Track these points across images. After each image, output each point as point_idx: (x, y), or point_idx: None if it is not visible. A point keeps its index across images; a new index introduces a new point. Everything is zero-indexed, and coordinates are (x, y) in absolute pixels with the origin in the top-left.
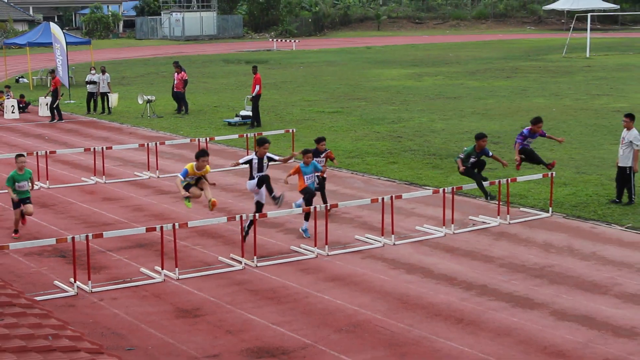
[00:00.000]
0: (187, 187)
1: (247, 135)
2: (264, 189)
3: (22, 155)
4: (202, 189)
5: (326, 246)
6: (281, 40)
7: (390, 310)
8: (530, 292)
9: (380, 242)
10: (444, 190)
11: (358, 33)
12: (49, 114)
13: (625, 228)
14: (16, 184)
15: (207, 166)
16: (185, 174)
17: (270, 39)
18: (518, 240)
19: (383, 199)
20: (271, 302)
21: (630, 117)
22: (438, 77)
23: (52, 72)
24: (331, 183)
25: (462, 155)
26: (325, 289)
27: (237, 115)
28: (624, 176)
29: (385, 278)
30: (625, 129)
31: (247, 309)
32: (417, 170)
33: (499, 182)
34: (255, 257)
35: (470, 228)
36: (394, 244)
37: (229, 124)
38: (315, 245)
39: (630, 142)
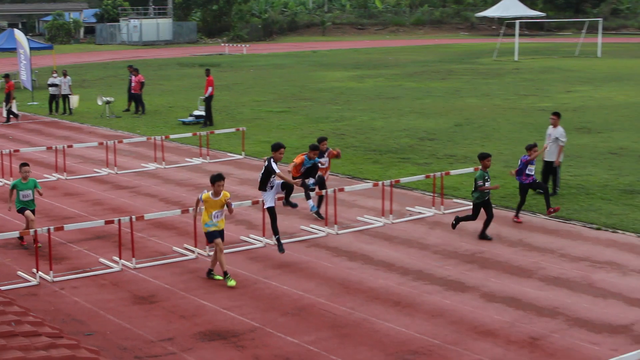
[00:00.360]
0: (212, 236)
1: (200, 133)
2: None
3: (27, 165)
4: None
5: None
6: (233, 45)
7: (333, 294)
8: (462, 277)
9: (324, 231)
10: (383, 183)
11: (305, 38)
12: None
13: (549, 217)
14: (20, 193)
15: (225, 192)
16: (199, 201)
17: (223, 44)
18: (451, 229)
19: (327, 191)
20: (222, 289)
21: (556, 115)
22: (378, 78)
23: (7, 76)
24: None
25: (480, 183)
26: (273, 276)
27: (191, 115)
28: (550, 169)
29: (329, 265)
30: (552, 126)
31: (200, 295)
32: (358, 165)
33: (434, 175)
34: (207, 247)
35: (407, 218)
36: (337, 234)
37: (183, 123)
38: (264, 235)
39: (557, 138)
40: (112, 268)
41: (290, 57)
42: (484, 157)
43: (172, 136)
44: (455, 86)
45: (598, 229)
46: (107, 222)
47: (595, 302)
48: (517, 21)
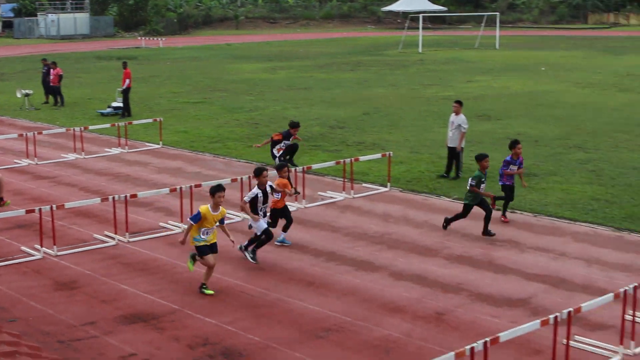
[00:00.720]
0: (201, 251)
1: (118, 124)
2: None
3: None
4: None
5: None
6: (149, 39)
7: (250, 276)
8: (372, 257)
9: (240, 217)
10: (295, 169)
11: (219, 32)
12: None
13: (453, 199)
14: None
15: (222, 208)
16: (198, 220)
17: (139, 38)
18: (361, 212)
19: (242, 178)
20: (142, 274)
21: (459, 103)
22: (290, 70)
23: None
24: (195, 166)
25: (473, 183)
26: None
27: (109, 107)
28: (453, 155)
29: None
30: (454, 113)
31: (121, 280)
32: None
33: (344, 161)
34: (127, 234)
35: (319, 202)
36: None
37: (102, 114)
38: (182, 221)
39: (459, 125)
40: (33, 256)
41: (205, 50)
42: (481, 158)
43: (91, 127)
44: (363, 77)
45: (498, 209)
46: (27, 212)
47: (496, 278)
48: (421, 15)
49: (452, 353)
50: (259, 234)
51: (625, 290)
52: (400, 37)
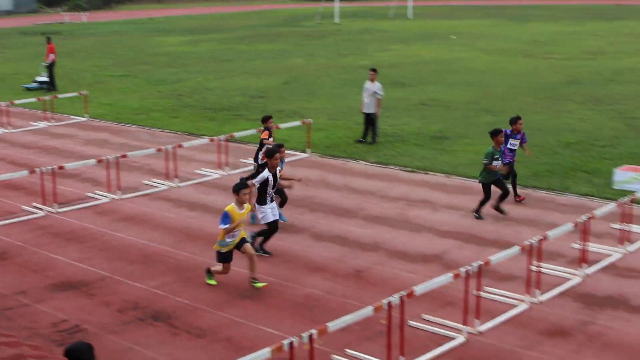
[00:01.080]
0: (224, 258)
1: (43, 98)
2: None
3: None
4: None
5: (118, 191)
6: (72, 14)
7: (176, 242)
8: (294, 220)
9: (165, 185)
10: (218, 138)
11: (142, 6)
12: None
13: (370, 163)
14: None
15: (247, 204)
16: (229, 222)
17: (62, 13)
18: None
19: (167, 148)
20: (72, 242)
21: (374, 71)
22: (212, 42)
23: None
24: (121, 137)
25: (486, 161)
26: (120, 228)
27: (34, 81)
28: (369, 120)
29: (171, 215)
30: (370, 81)
31: (51, 250)
32: (195, 122)
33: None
34: (55, 205)
35: (242, 169)
36: (178, 187)
37: (28, 89)
38: (109, 191)
39: (375, 92)
40: None
41: (128, 25)
42: (496, 134)
43: (17, 102)
44: (283, 48)
45: (412, 171)
46: None
47: (411, 236)
48: None
49: (371, 307)
50: (265, 224)
51: (531, 244)
52: (317, 8)
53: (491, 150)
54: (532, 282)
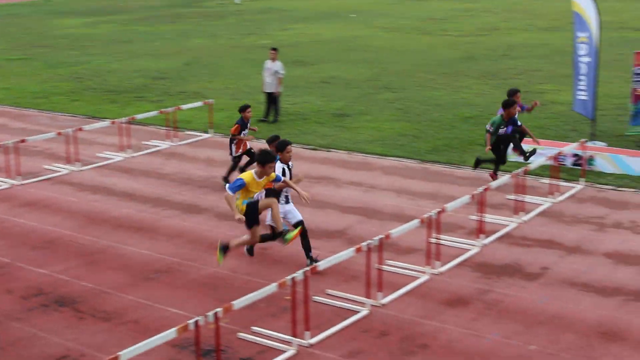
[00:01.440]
0: (250, 218)
1: None
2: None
3: None
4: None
5: (18, 177)
6: None
7: (79, 226)
8: (198, 200)
9: (67, 169)
10: (120, 121)
11: None
12: None
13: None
14: None
15: (273, 173)
16: (238, 189)
17: None
18: (185, 159)
19: (68, 131)
20: None
21: (275, 50)
22: (111, 24)
23: None
24: (20, 122)
25: (490, 128)
26: (21, 214)
27: None
28: (271, 99)
29: (73, 199)
30: (271, 60)
31: None
32: (97, 105)
33: (167, 110)
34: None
35: (145, 151)
36: (80, 170)
37: None
38: (9, 177)
39: (276, 71)
40: None
41: (24, 7)
42: (509, 105)
43: None
44: (183, 28)
45: (314, 149)
46: None
47: (314, 212)
48: None
49: (275, 284)
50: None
51: (430, 216)
52: None
53: (499, 120)
54: (432, 254)
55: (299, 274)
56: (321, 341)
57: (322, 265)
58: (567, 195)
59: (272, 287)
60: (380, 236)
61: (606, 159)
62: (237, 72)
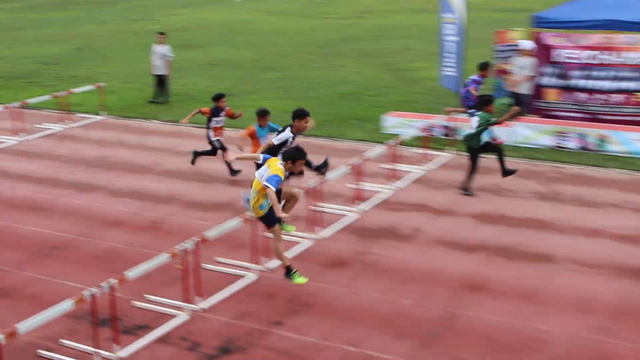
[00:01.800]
0: (274, 220)
1: None
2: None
3: None
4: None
5: None
6: None
7: None
8: (91, 179)
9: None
10: (12, 105)
11: None
12: None
13: (163, 121)
14: None
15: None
16: (279, 182)
17: None
18: (79, 140)
19: None
20: None
21: (163, 34)
22: (0, 12)
23: None
24: None
25: (476, 125)
26: None
27: None
28: (160, 81)
29: None
30: (159, 44)
31: None
32: None
33: (59, 94)
34: None
35: (39, 135)
36: None
37: None
38: None
39: (164, 54)
40: None
41: None
42: (487, 103)
43: None
44: (74, 15)
45: (203, 127)
46: None
47: (204, 187)
48: None
49: (166, 254)
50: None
51: (312, 186)
52: None
53: (487, 116)
54: (315, 221)
55: (189, 244)
56: (212, 306)
57: (210, 235)
58: (437, 163)
59: (164, 257)
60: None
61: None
62: (127, 56)
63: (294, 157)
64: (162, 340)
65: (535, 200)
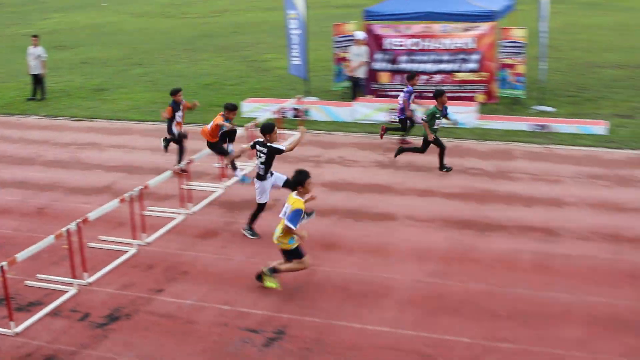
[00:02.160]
0: (300, 253)
1: None
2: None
3: None
4: None
5: None
6: None
7: None
8: None
9: None
10: None
11: None
12: None
13: (41, 116)
14: None
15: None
16: (299, 215)
17: None
18: None
19: None
20: None
21: (36, 37)
22: None
23: None
24: None
25: (425, 117)
26: None
27: None
28: (37, 80)
29: None
30: (34, 46)
31: None
32: None
33: None
34: None
35: None
36: None
37: None
38: None
39: (39, 55)
40: None
41: None
42: (440, 95)
43: None
44: None
45: (79, 120)
46: None
47: (84, 174)
48: None
49: (52, 236)
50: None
51: (181, 167)
52: None
53: (434, 109)
54: (185, 198)
55: (72, 225)
56: (98, 279)
57: (92, 216)
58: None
59: (50, 239)
60: (140, 187)
61: (318, 110)
62: (4, 58)
63: (302, 181)
64: (55, 313)
65: (376, 168)
